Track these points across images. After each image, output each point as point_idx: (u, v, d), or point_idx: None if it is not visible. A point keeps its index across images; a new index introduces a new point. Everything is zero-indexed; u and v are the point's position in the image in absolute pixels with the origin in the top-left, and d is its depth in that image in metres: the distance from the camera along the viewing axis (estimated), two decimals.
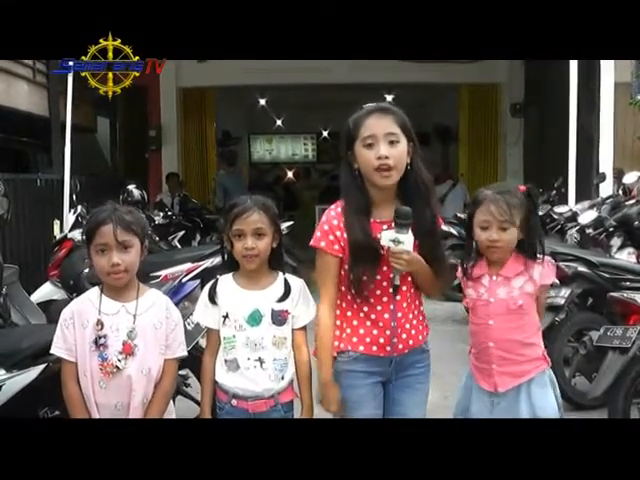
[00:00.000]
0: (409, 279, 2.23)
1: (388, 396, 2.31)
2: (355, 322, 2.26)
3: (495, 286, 2.35)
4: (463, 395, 2.48)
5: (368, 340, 2.24)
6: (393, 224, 2.13)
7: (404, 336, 2.25)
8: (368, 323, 2.24)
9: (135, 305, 2.20)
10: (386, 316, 2.22)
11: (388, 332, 2.23)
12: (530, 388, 2.35)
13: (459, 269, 2.44)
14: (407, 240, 2.09)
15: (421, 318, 2.32)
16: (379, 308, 2.23)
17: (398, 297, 2.21)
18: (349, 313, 2.27)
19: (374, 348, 2.24)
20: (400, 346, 2.24)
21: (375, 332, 2.24)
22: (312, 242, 2.26)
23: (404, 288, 2.23)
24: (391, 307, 2.22)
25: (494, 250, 2.33)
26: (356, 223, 2.18)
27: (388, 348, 2.23)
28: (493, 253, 2.34)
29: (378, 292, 2.22)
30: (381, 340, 2.24)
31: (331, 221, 2.22)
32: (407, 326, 2.25)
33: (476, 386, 2.41)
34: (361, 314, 2.24)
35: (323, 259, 2.24)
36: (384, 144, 2.14)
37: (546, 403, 2.36)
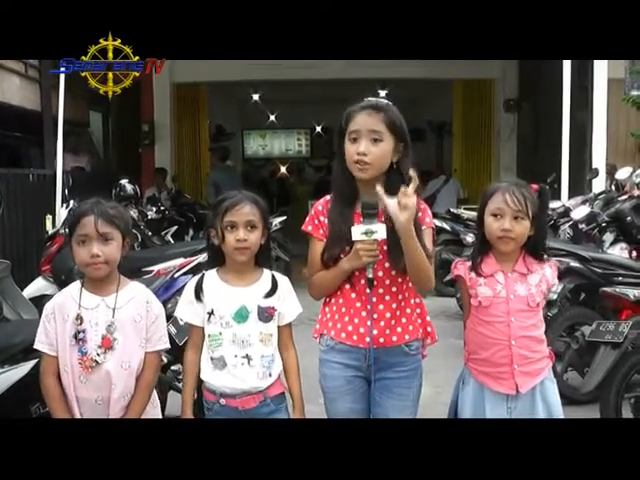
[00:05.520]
0: (393, 273, 2.23)
1: (371, 396, 2.30)
2: (344, 309, 2.27)
3: (512, 282, 2.30)
4: (472, 412, 2.33)
5: (350, 328, 2.25)
6: (361, 217, 2.14)
7: (387, 331, 2.24)
8: (352, 311, 2.26)
9: (114, 299, 2.20)
10: (369, 307, 2.23)
11: (369, 323, 2.23)
12: (543, 385, 2.33)
13: (459, 266, 2.38)
14: (380, 229, 2.11)
15: (413, 318, 2.30)
16: (363, 297, 2.24)
17: (380, 290, 2.22)
18: (333, 300, 2.30)
19: (354, 337, 2.25)
20: (381, 340, 2.23)
21: (356, 321, 2.25)
22: (303, 227, 2.33)
23: (387, 282, 2.23)
24: (374, 299, 2.22)
25: (506, 241, 2.26)
26: (338, 209, 2.24)
27: (367, 339, 2.23)
28: (505, 244, 2.27)
29: (362, 282, 2.23)
30: (361, 330, 2.24)
31: (317, 207, 2.31)
32: (392, 322, 2.25)
33: (489, 395, 2.32)
34: (343, 302, 2.27)
35: (310, 243, 2.31)
36: (366, 141, 2.17)
37: (556, 399, 2.35)
